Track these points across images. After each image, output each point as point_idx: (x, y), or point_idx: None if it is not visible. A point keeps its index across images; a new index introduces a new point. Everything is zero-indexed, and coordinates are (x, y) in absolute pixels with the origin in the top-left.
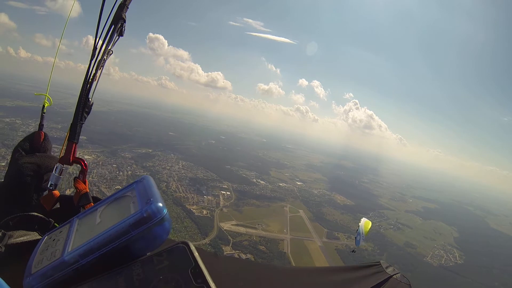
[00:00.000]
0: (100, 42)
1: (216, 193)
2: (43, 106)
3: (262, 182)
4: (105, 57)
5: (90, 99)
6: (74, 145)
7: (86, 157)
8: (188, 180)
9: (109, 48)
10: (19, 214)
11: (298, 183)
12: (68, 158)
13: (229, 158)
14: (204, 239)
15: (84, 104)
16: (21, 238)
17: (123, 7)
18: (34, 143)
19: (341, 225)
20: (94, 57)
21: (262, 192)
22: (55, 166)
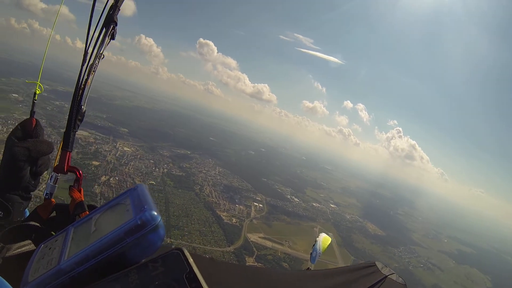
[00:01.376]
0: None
1: (249, 204)
2: (35, 93)
3: (296, 199)
4: (96, 61)
5: (82, 107)
6: (68, 153)
7: (125, 149)
8: (223, 186)
9: (101, 52)
10: (15, 226)
11: (332, 206)
12: (63, 167)
13: (267, 171)
14: (229, 246)
15: (76, 112)
16: (19, 250)
17: (114, 9)
18: (26, 130)
19: (369, 255)
20: (85, 62)
21: (295, 210)
22: (50, 175)
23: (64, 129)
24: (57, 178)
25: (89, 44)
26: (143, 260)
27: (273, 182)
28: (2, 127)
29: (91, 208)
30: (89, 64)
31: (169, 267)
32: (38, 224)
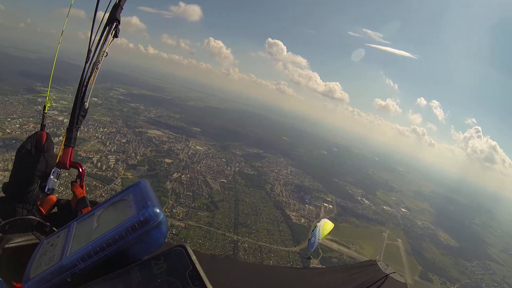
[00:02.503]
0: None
1: (318, 204)
2: (44, 106)
3: (366, 201)
4: (100, 59)
5: (85, 103)
6: (71, 149)
7: (198, 148)
8: (294, 186)
9: (104, 50)
10: (17, 218)
11: (403, 210)
12: (65, 163)
13: (338, 172)
14: (295, 246)
15: (80, 108)
16: (19, 241)
17: (117, 8)
18: (37, 144)
19: (438, 267)
20: (88, 59)
21: (364, 212)
22: (52, 171)
23: (68, 125)
24: (60, 173)
25: (93, 42)
26: (145, 257)
27: (344, 183)
28: (82, 127)
29: (93, 204)
30: (93, 62)
31: (172, 264)
32: (39, 219)
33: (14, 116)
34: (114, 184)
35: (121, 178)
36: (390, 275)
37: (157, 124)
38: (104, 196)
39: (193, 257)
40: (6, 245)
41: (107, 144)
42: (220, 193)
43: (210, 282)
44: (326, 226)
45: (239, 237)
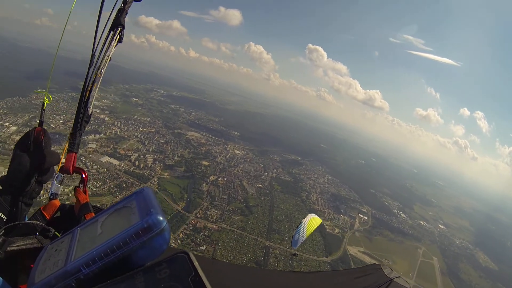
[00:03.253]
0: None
1: (353, 215)
2: (43, 103)
3: (403, 215)
4: (103, 64)
5: (89, 108)
6: (74, 155)
7: (236, 152)
8: (330, 195)
9: (108, 55)
10: (20, 222)
11: (441, 226)
12: (69, 168)
13: (376, 182)
14: (327, 257)
15: (83, 114)
16: (21, 244)
17: (122, 12)
18: (34, 140)
19: None
20: (92, 64)
21: (400, 226)
22: (55, 176)
23: (71, 131)
24: (63, 179)
25: (96, 47)
26: (149, 263)
27: (381, 194)
28: (123, 126)
29: (96, 209)
30: (96, 67)
31: (175, 270)
32: (42, 224)
33: (59, 112)
34: (151, 183)
35: (157, 177)
36: (395, 279)
37: (196, 126)
38: None
39: (196, 263)
40: (9, 248)
41: (146, 143)
42: (255, 198)
43: (212, 286)
44: (312, 222)
45: (271, 243)
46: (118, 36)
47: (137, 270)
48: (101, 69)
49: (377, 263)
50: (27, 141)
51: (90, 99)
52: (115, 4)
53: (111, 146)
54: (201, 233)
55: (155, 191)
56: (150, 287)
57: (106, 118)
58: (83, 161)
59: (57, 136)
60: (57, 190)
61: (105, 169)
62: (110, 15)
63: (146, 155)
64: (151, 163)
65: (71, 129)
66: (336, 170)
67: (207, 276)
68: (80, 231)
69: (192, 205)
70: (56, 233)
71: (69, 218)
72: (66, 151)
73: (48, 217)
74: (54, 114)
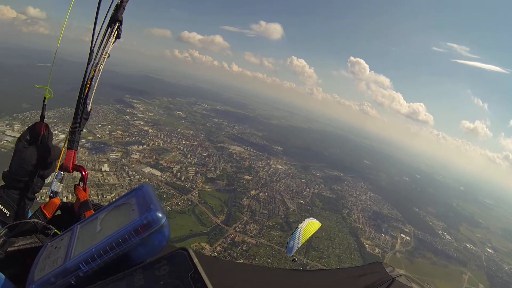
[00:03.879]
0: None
1: (395, 235)
2: (44, 98)
3: (447, 236)
4: (101, 61)
5: (88, 105)
6: (73, 152)
7: (278, 167)
8: (371, 213)
9: (106, 51)
10: (21, 221)
11: (489, 250)
12: (68, 166)
13: (419, 201)
14: None
15: (82, 111)
16: (22, 243)
17: (119, 8)
18: (36, 134)
19: None
20: (90, 61)
21: (444, 248)
22: (55, 174)
23: (70, 128)
24: (63, 177)
25: (95, 44)
26: (148, 260)
27: (425, 214)
28: (166, 138)
29: (96, 206)
30: (95, 63)
31: (174, 267)
32: (43, 222)
33: (105, 123)
34: (191, 195)
35: (198, 190)
36: (397, 278)
37: (239, 140)
38: (179, 205)
39: (195, 260)
40: (10, 248)
41: (188, 156)
42: (296, 214)
43: (213, 285)
44: (309, 227)
45: (308, 261)
46: (116, 32)
47: (137, 267)
48: (99, 66)
49: (377, 261)
50: (29, 135)
51: (89, 96)
52: (113, 0)
53: (154, 157)
54: (239, 247)
55: (198, 201)
56: (149, 284)
57: (150, 130)
58: (126, 171)
59: (102, 145)
60: (57, 188)
61: (147, 180)
62: (108, 11)
63: (188, 168)
64: (193, 175)
65: (70, 126)
66: (379, 187)
67: (208, 274)
68: (79, 228)
69: (231, 218)
70: (56, 231)
71: (69, 216)
72: (66, 148)
73: (48, 216)
74: (100, 124)
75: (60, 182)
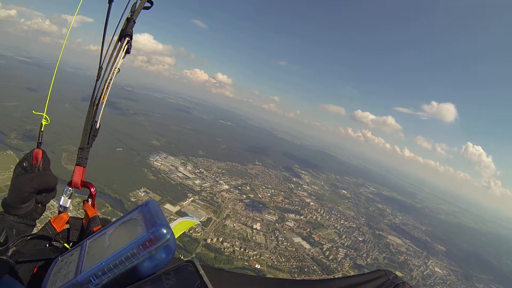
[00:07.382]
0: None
1: None
2: (41, 124)
3: None
4: (111, 76)
5: (97, 122)
6: (83, 169)
7: (436, 269)
8: None
9: (116, 66)
10: (31, 234)
11: None
12: (77, 182)
13: None
14: None
15: (91, 128)
16: (31, 255)
17: (129, 22)
18: (33, 161)
19: None
20: (100, 77)
21: None
22: (64, 189)
23: (79, 145)
24: (71, 192)
25: (104, 59)
26: (156, 273)
27: None
28: (326, 214)
29: (105, 222)
30: (104, 80)
31: (181, 279)
32: (51, 236)
33: (269, 186)
34: (333, 276)
35: (342, 273)
36: (399, 284)
37: (400, 231)
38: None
39: (201, 272)
40: (19, 259)
41: (343, 237)
42: None
43: None
44: (182, 225)
45: None
46: (126, 47)
47: (145, 280)
48: (109, 82)
49: (380, 269)
50: (25, 163)
51: (98, 113)
52: (123, 14)
53: (308, 230)
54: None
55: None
56: None
57: (311, 203)
58: (276, 235)
59: (261, 205)
60: (65, 203)
61: (294, 249)
62: (117, 25)
63: (339, 248)
64: (342, 257)
65: (79, 143)
66: None
67: (214, 285)
68: (89, 243)
69: None
70: (65, 244)
71: (78, 230)
72: (75, 165)
73: (58, 230)
74: (264, 186)
75: (69, 198)
